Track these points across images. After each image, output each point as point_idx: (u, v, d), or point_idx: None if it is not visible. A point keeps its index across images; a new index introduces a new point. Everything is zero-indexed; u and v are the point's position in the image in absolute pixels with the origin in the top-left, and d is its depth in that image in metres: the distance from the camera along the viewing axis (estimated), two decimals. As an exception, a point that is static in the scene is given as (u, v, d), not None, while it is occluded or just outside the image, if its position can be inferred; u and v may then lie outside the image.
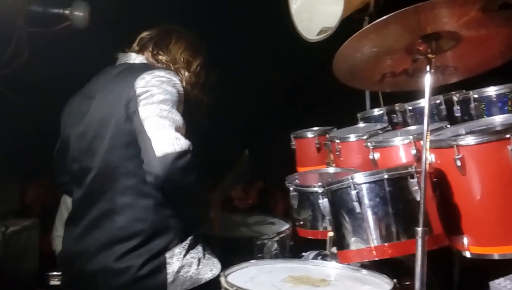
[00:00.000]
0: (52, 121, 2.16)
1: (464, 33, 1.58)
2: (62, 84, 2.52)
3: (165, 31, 2.16)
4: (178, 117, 1.86)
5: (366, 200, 1.83)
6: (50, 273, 2.50)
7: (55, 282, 2.48)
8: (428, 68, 1.59)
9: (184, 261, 1.87)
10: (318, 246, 2.28)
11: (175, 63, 2.10)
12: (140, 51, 2.11)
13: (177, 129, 1.82)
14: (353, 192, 1.84)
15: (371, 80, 1.85)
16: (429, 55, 1.57)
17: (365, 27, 1.50)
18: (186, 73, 2.10)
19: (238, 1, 3.62)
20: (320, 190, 2.21)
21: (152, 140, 1.77)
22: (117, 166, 1.88)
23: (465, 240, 1.82)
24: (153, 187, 1.81)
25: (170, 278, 1.84)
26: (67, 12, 2.61)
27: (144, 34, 2.15)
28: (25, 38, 2.55)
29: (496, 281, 1.68)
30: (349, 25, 2.86)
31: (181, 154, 1.77)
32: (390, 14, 1.42)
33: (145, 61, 2.07)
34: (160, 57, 2.10)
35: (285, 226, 2.45)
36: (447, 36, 1.59)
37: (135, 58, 2.08)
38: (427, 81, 1.59)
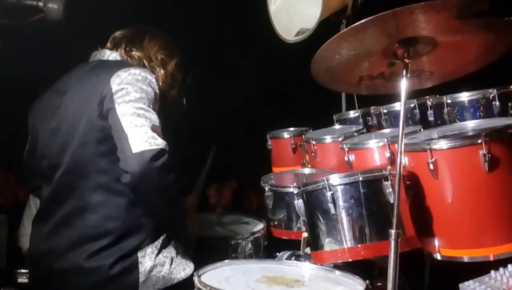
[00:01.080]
0: (23, 115, 2.12)
1: (440, 38, 1.60)
2: (33, 79, 2.47)
3: (138, 30, 2.16)
4: (154, 116, 1.84)
5: (340, 202, 1.85)
6: (18, 271, 2.43)
7: (23, 279, 2.42)
8: (404, 72, 1.61)
9: (156, 260, 1.85)
10: (292, 247, 2.29)
11: (150, 60, 2.09)
12: (114, 48, 2.10)
13: (154, 128, 1.81)
14: (328, 194, 1.85)
15: (349, 83, 1.86)
16: (406, 60, 1.59)
17: (344, 29, 1.51)
18: (162, 71, 2.08)
19: (217, 1, 3.60)
20: (295, 190, 2.22)
21: (129, 137, 1.76)
22: (88, 163, 1.86)
23: (436, 243, 1.85)
24: (130, 186, 1.78)
25: (142, 277, 1.82)
26: (40, 4, 2.54)
27: (117, 33, 2.14)
28: (-3, 30, 2.47)
29: (466, 283, 1.71)
30: (326, 27, 2.88)
31: (158, 153, 1.75)
32: (370, 18, 1.44)
33: (119, 58, 2.05)
34: (133, 53, 2.08)
35: (260, 226, 2.45)
36: (424, 41, 1.61)
37: (108, 54, 2.06)
38: (403, 85, 1.61)
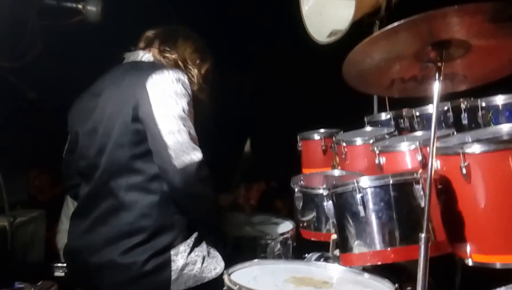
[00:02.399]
0: (62, 114, 2.19)
1: (474, 42, 1.58)
2: (73, 78, 2.54)
3: (171, 30, 2.16)
4: (190, 123, 1.88)
5: (370, 204, 1.84)
6: (55, 265, 2.52)
7: (59, 273, 2.50)
8: (437, 75, 1.60)
9: (188, 259, 1.89)
10: (321, 248, 2.29)
11: (185, 61, 2.09)
12: (147, 48, 2.10)
13: (192, 137, 1.85)
14: (358, 196, 1.84)
15: (380, 86, 1.85)
16: (439, 63, 1.58)
17: (375, 33, 1.51)
18: (196, 72, 2.10)
19: (250, 2, 3.63)
20: (325, 192, 2.22)
21: (170, 149, 1.80)
22: (124, 164, 1.90)
23: (468, 248, 1.82)
24: (173, 199, 1.86)
25: (174, 275, 1.86)
26: (80, 6, 2.62)
27: (150, 32, 2.15)
28: (38, 31, 2.57)
29: (497, 289, 1.68)
30: (359, 28, 2.87)
31: (199, 166, 1.81)
32: (401, 22, 1.43)
33: (151, 59, 2.05)
34: (167, 54, 2.08)
35: (289, 227, 2.46)
36: (457, 44, 1.59)
37: (142, 55, 2.07)
38: (436, 88, 1.60)
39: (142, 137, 1.88)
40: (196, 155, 1.81)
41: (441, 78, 1.60)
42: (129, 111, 1.89)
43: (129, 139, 1.89)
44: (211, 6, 3.33)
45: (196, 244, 1.93)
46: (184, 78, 1.95)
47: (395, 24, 1.43)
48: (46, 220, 2.62)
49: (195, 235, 1.94)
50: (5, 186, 2.31)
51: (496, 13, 1.38)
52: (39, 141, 2.98)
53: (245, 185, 4.04)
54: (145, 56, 2.06)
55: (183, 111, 1.87)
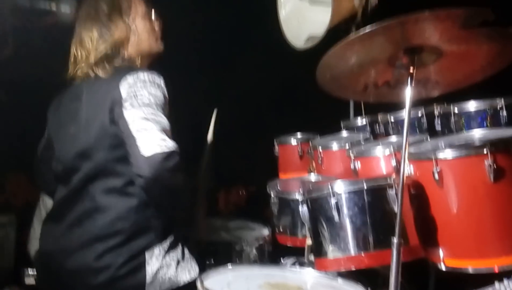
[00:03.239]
0: (36, 117, 2.14)
1: (445, 48, 1.60)
2: (46, 80, 2.49)
3: None
4: (163, 119, 1.85)
5: (345, 209, 1.84)
6: (26, 271, 2.46)
7: (29, 279, 2.45)
8: (409, 81, 1.61)
9: (163, 262, 1.86)
10: (297, 254, 2.29)
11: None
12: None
13: (163, 131, 1.82)
14: (333, 201, 1.84)
15: (354, 90, 1.86)
16: (411, 68, 1.59)
17: (349, 37, 1.51)
18: None
19: (227, 7, 3.62)
20: (300, 197, 2.22)
21: (138, 142, 1.77)
22: (103, 168, 1.88)
23: (441, 253, 1.83)
24: (143, 189, 1.81)
25: (149, 278, 1.83)
26: (53, 8, 2.58)
27: None
28: (10, 31, 2.52)
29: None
30: (336, 34, 2.88)
31: (168, 155, 1.77)
32: (374, 26, 1.44)
33: (123, 63, 2.01)
34: None
35: (265, 232, 2.45)
36: (429, 50, 1.61)
37: (117, 62, 2.02)
38: (408, 94, 1.61)
39: (120, 140, 1.85)
40: (166, 145, 1.77)
41: (413, 83, 1.61)
42: (105, 114, 1.87)
43: (107, 143, 1.87)
44: (184, 9, 3.31)
45: (171, 247, 1.91)
46: (159, 79, 1.92)
47: (369, 28, 1.44)
48: (17, 225, 2.55)
49: (170, 238, 1.92)
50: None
51: (467, 19, 1.39)
52: (13, 145, 2.91)
53: (225, 189, 4.03)
54: (120, 61, 2.02)
55: (156, 107, 1.84)
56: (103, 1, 2.04)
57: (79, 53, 2.02)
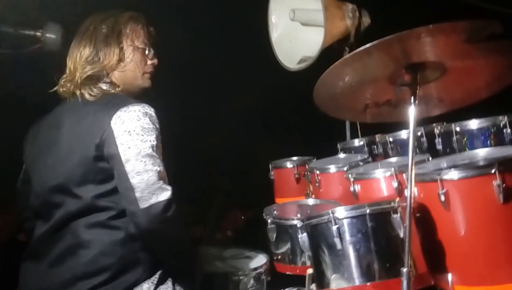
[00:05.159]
0: (19, 147, 2.04)
1: (449, 63, 1.54)
2: (31, 109, 2.41)
3: None
4: (158, 161, 1.78)
5: (347, 236, 1.76)
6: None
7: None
8: (412, 99, 1.54)
9: (153, 297, 1.76)
10: (296, 282, 2.19)
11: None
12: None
13: (160, 175, 1.76)
14: (334, 227, 1.76)
15: (354, 110, 1.80)
16: (414, 86, 1.52)
17: (347, 55, 1.45)
18: None
19: (219, 29, 3.59)
20: (298, 223, 2.12)
21: (136, 190, 1.72)
22: (87, 203, 1.79)
23: (450, 279, 1.74)
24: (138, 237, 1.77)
25: (137, 316, 1.73)
26: (38, 34, 2.50)
27: None
28: (-7, 58, 2.44)
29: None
30: (329, 55, 2.84)
31: (166, 205, 1.73)
32: (374, 42, 1.37)
33: (112, 88, 1.94)
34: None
35: (262, 261, 2.35)
36: (432, 66, 1.55)
37: (103, 86, 1.93)
38: (411, 113, 1.54)
39: (106, 175, 1.79)
40: (164, 195, 1.74)
41: (416, 102, 1.54)
42: (91, 150, 1.78)
43: (92, 178, 1.79)
44: (179, 31, 3.27)
45: (160, 281, 1.82)
46: (151, 111, 1.84)
47: (368, 45, 1.37)
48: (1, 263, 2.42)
49: (159, 272, 1.83)
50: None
51: (472, 33, 1.33)
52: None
53: (221, 215, 3.93)
54: (105, 86, 1.94)
55: (151, 148, 1.78)
56: (105, 22, 1.98)
57: (67, 68, 1.96)
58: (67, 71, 1.97)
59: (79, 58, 1.94)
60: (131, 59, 1.97)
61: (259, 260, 2.38)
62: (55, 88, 1.98)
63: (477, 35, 1.33)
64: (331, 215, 1.77)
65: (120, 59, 1.95)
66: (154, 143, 1.79)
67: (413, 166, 1.54)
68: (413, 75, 1.53)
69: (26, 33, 2.48)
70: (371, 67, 1.54)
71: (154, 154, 1.77)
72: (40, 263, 1.82)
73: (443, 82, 1.62)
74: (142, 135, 1.77)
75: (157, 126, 1.83)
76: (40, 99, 2.20)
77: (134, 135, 1.76)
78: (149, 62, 2.03)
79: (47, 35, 2.49)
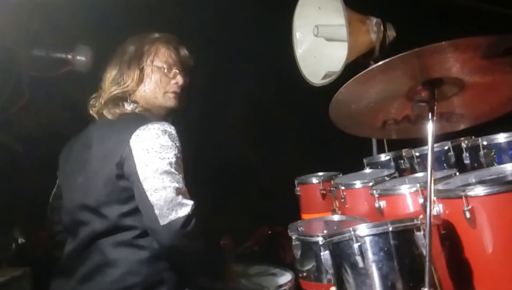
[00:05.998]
0: (52, 167, 2.11)
1: (468, 79, 1.50)
2: (62, 130, 2.49)
3: None
4: (178, 177, 1.79)
5: (369, 254, 1.72)
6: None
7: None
8: (430, 116, 1.51)
9: (178, 316, 1.77)
10: (322, 300, 2.16)
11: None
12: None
13: (179, 191, 1.77)
14: (356, 245, 1.72)
15: (372, 127, 1.77)
16: (431, 103, 1.49)
17: (361, 73, 1.43)
18: None
19: (244, 44, 3.62)
20: (321, 241, 2.10)
21: (155, 207, 1.73)
22: (113, 222, 1.82)
23: (478, 298, 1.69)
24: (162, 254, 1.79)
25: (164, 335, 1.74)
26: (69, 56, 2.59)
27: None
28: (26, 83, 2.53)
29: None
30: (355, 69, 2.82)
31: (186, 220, 1.73)
32: (388, 60, 1.36)
33: (135, 107, 1.99)
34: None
35: (287, 278, 2.32)
36: (450, 82, 1.52)
37: (127, 106, 2.00)
38: (430, 129, 1.51)
39: (130, 194, 1.81)
40: (183, 210, 1.74)
41: (435, 118, 1.51)
42: (113, 169, 1.82)
43: (116, 197, 1.82)
44: (204, 49, 3.32)
45: (186, 301, 1.82)
46: (171, 129, 1.86)
47: (382, 62, 1.35)
48: (32, 278, 2.49)
49: (185, 291, 1.83)
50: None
51: (489, 48, 1.30)
52: (29, 196, 2.89)
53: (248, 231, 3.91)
54: (130, 106, 1.99)
55: (170, 165, 1.79)
56: (133, 43, 2.04)
57: (99, 90, 2.03)
58: (98, 92, 2.04)
59: (107, 79, 2.01)
60: (150, 79, 2.01)
61: (284, 277, 2.36)
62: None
63: (492, 50, 1.30)
64: (352, 232, 1.73)
65: (141, 80, 1.99)
66: (173, 160, 1.80)
67: (432, 183, 1.51)
68: (431, 91, 1.51)
69: (57, 56, 2.57)
70: (388, 83, 1.52)
71: (173, 170, 1.79)
72: (69, 279, 1.86)
73: (463, 97, 1.58)
74: (160, 152, 1.79)
75: (177, 143, 1.85)
76: (72, 120, 2.27)
77: (152, 152, 1.78)
78: (172, 81, 2.04)
79: (78, 57, 2.57)
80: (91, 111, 2.03)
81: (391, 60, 1.38)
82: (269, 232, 4.00)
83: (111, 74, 2.01)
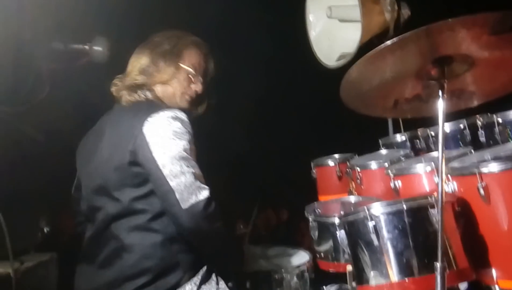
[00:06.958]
0: (73, 156, 2.18)
1: (477, 56, 1.50)
2: (82, 119, 2.55)
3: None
4: (193, 162, 1.85)
5: (384, 232, 1.74)
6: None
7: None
8: (440, 93, 1.51)
9: (196, 297, 1.81)
10: (340, 279, 2.19)
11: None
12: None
13: (196, 176, 1.82)
14: (370, 224, 1.75)
15: (383, 107, 1.78)
16: (441, 80, 1.50)
17: (370, 52, 1.45)
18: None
19: (258, 28, 3.62)
20: (337, 220, 2.13)
21: (176, 192, 1.78)
22: (125, 206, 1.87)
23: (494, 274, 1.70)
24: (181, 235, 1.83)
25: (181, 317, 1.79)
26: (86, 47, 2.64)
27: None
28: (46, 75, 2.59)
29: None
30: (369, 50, 2.80)
31: (207, 203, 1.79)
32: (396, 38, 1.37)
33: (149, 96, 2.03)
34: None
35: (305, 259, 2.36)
36: (460, 59, 1.52)
37: (142, 93, 2.03)
38: (440, 107, 1.52)
39: (142, 179, 1.86)
40: (202, 194, 1.80)
41: (446, 96, 1.52)
42: (126, 155, 1.86)
43: (129, 182, 1.87)
44: (215, 34, 3.34)
45: (203, 281, 1.87)
46: (183, 116, 1.91)
47: (389, 41, 1.36)
48: (59, 263, 2.58)
49: (202, 271, 1.89)
50: (17, 230, 2.29)
51: (497, 24, 1.30)
52: (53, 184, 2.98)
53: (266, 215, 3.95)
54: (145, 94, 2.03)
55: (184, 151, 1.84)
56: (168, 40, 2.08)
57: (126, 71, 2.07)
58: (125, 73, 2.08)
59: (135, 66, 2.05)
60: (179, 78, 2.07)
61: (302, 257, 2.40)
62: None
63: (501, 26, 1.29)
64: (366, 211, 1.76)
65: (173, 76, 2.05)
66: (188, 146, 1.85)
67: (443, 160, 1.52)
68: (440, 69, 1.51)
69: (75, 47, 2.63)
70: (398, 62, 1.52)
71: (188, 156, 1.84)
72: (91, 264, 1.93)
73: (473, 74, 1.58)
74: (174, 139, 1.83)
75: (189, 129, 1.90)
76: (91, 112, 2.32)
77: (166, 139, 1.83)
78: (192, 86, 2.10)
79: (95, 48, 2.63)
80: (112, 89, 2.07)
81: (400, 39, 1.39)
82: (275, 217, 4.03)
83: (139, 62, 2.05)
